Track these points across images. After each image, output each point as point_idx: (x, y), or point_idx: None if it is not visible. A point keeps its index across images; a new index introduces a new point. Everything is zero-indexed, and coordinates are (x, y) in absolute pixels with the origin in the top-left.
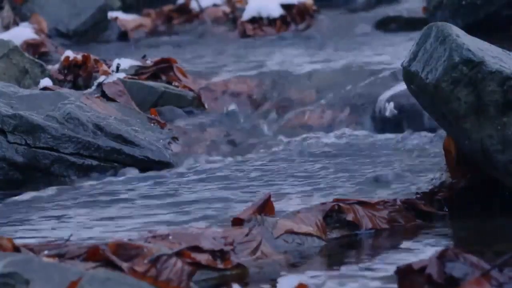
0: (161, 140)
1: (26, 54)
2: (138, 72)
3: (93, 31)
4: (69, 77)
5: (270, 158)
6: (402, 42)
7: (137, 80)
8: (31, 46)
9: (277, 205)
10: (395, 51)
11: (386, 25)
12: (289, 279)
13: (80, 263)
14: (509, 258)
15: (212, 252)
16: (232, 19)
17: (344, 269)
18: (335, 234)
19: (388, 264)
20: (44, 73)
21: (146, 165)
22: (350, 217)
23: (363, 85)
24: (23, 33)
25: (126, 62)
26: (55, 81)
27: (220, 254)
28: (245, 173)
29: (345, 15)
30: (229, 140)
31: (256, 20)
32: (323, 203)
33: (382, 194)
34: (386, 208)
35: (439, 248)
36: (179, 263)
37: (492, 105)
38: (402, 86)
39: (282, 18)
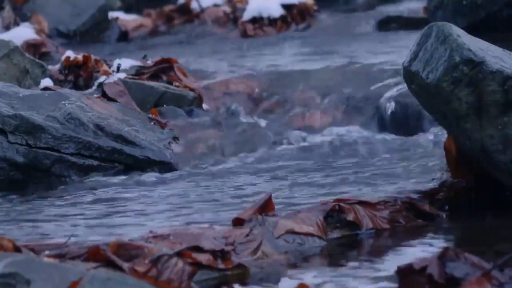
0: (161, 140)
1: (27, 54)
2: (138, 72)
3: (94, 31)
4: (70, 77)
5: (270, 158)
6: (403, 42)
7: (137, 80)
8: (32, 46)
9: (278, 205)
10: (396, 51)
11: (387, 25)
12: (289, 279)
13: (81, 263)
14: (509, 258)
15: (213, 252)
16: (232, 19)
17: (344, 269)
18: (335, 234)
19: (388, 264)
20: (44, 73)
21: (147, 165)
22: (350, 217)
23: (363, 85)
24: (23, 33)
25: (126, 62)
26: (55, 81)
27: (221, 254)
28: (246, 173)
29: (345, 15)
30: (229, 140)
31: (256, 20)
32: (323, 203)
33: (382, 194)
34: (387, 208)
35: (440, 248)
36: (180, 263)
37: (492, 105)
38: (402, 86)
39: (282, 18)
